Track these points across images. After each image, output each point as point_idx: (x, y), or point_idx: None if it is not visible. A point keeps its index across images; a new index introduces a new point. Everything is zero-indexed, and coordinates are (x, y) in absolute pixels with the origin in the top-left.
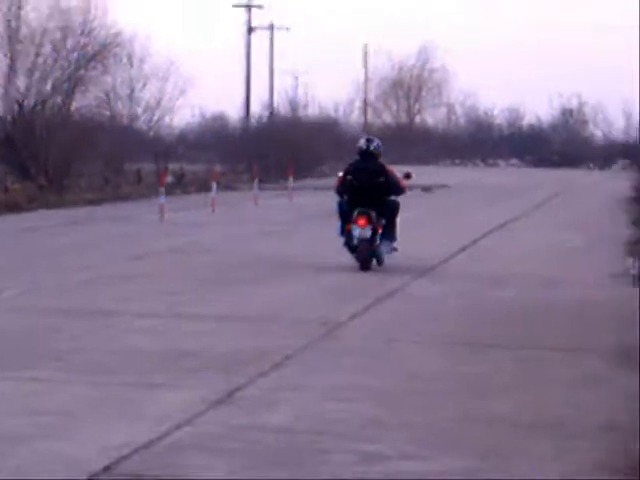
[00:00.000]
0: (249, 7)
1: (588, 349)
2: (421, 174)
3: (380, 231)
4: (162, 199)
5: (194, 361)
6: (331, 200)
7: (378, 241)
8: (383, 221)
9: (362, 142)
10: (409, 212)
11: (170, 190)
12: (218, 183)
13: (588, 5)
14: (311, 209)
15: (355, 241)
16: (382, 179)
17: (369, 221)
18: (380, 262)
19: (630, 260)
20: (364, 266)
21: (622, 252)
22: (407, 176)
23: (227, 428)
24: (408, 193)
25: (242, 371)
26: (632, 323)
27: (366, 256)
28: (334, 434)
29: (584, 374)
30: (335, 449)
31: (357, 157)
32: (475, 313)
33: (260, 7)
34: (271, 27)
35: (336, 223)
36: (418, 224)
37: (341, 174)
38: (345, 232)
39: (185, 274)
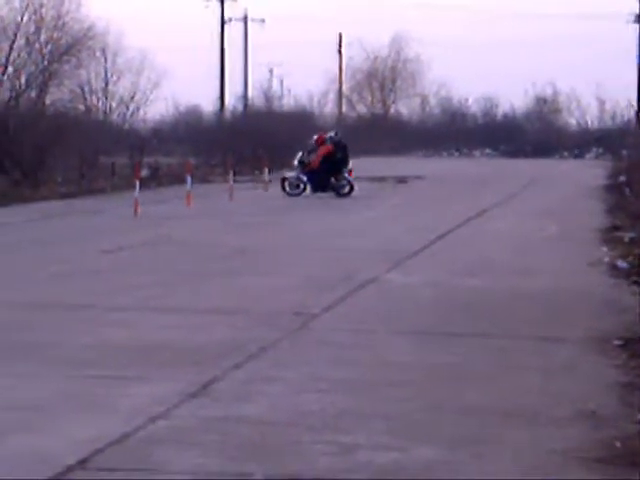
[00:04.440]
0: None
1: (563, 337)
2: (396, 165)
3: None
4: (136, 192)
5: (167, 354)
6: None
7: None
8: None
9: (334, 133)
10: (385, 203)
11: (145, 183)
12: (193, 176)
13: None
14: (286, 201)
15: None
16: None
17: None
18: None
19: (604, 248)
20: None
21: (597, 240)
22: None
23: (202, 421)
24: (382, 185)
25: (216, 363)
26: (607, 311)
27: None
28: (309, 426)
29: (559, 362)
30: (310, 440)
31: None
32: (449, 303)
33: None
34: (245, 19)
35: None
36: (393, 215)
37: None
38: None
39: (158, 267)
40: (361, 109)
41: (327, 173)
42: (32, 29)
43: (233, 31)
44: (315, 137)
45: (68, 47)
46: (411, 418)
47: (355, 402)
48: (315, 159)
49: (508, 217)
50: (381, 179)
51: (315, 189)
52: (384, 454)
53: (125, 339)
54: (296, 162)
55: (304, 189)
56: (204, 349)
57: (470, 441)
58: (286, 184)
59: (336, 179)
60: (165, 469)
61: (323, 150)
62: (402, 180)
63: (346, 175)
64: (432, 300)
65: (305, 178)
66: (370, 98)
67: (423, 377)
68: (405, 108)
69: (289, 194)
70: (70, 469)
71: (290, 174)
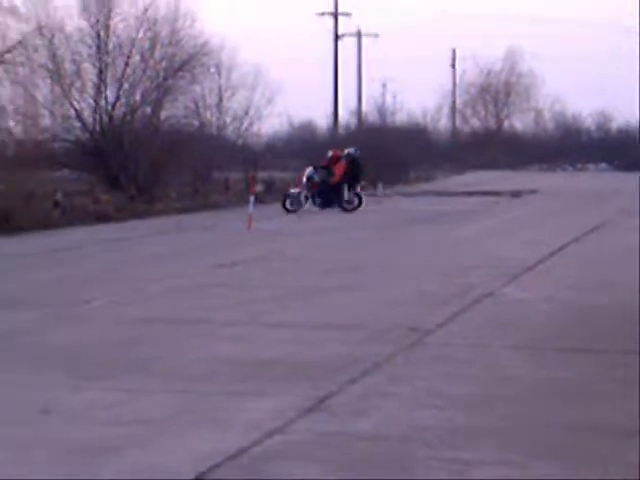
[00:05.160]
0: (336, 15)
1: None
2: (510, 179)
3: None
4: (250, 208)
5: (282, 369)
6: (421, 206)
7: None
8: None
9: (353, 150)
10: (499, 217)
11: (259, 198)
12: (362, 189)
13: None
14: (400, 216)
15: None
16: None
17: None
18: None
19: None
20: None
21: None
22: None
23: (318, 435)
24: (497, 199)
25: (332, 378)
26: None
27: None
28: (424, 441)
29: None
30: (425, 456)
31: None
32: (565, 318)
33: (347, 14)
34: (359, 34)
35: (422, 227)
36: (507, 229)
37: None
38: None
39: (271, 282)
40: (474, 123)
41: (340, 189)
42: (147, 45)
43: (346, 46)
44: (330, 153)
45: (183, 63)
46: (527, 434)
47: (470, 418)
48: (336, 177)
49: (625, 233)
50: (495, 193)
51: (325, 205)
52: (501, 470)
53: (240, 354)
54: (305, 179)
55: (300, 204)
56: (319, 364)
57: (591, 459)
58: (287, 201)
59: (347, 194)
60: None
61: (340, 169)
62: (516, 194)
63: (358, 191)
64: (547, 315)
65: (306, 194)
66: (483, 112)
67: (538, 393)
68: (519, 122)
69: (289, 211)
70: None
71: (293, 190)
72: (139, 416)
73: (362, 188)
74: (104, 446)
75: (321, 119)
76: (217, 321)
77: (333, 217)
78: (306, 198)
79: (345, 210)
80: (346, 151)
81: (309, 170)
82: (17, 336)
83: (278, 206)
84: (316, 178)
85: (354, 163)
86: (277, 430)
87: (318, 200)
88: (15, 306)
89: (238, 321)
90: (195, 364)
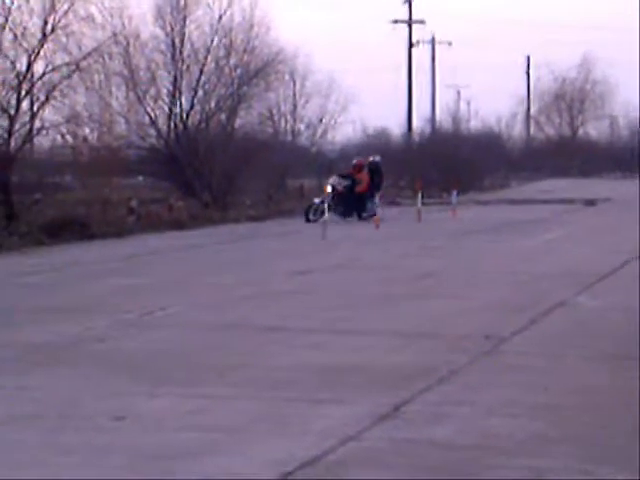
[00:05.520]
0: (410, 23)
1: None
2: (585, 187)
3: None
4: (325, 215)
5: (358, 376)
6: (495, 213)
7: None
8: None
9: (378, 157)
10: (572, 225)
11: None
12: (381, 198)
13: None
14: (474, 224)
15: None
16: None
17: None
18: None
19: None
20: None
21: None
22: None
23: (393, 443)
24: (570, 207)
25: (407, 386)
26: None
27: None
28: (499, 449)
29: None
30: (500, 464)
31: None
32: None
33: (422, 22)
34: (432, 42)
35: (496, 234)
36: (580, 237)
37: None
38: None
39: (347, 290)
40: (549, 131)
41: (364, 198)
42: (222, 53)
43: (420, 53)
44: (355, 161)
45: (257, 71)
46: (603, 443)
47: (545, 426)
48: (363, 185)
49: None
50: (569, 201)
51: (346, 213)
52: (575, 478)
53: (316, 361)
54: (330, 188)
55: (322, 214)
56: (394, 371)
57: None
58: (310, 211)
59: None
60: None
61: (365, 177)
62: (590, 202)
63: (376, 200)
64: (623, 324)
65: (329, 203)
66: (558, 120)
67: (616, 402)
68: (593, 130)
69: (310, 220)
70: None
71: (316, 200)
72: (215, 422)
73: (381, 197)
74: (179, 452)
75: (395, 126)
76: (293, 328)
77: (407, 225)
78: (329, 207)
79: (361, 218)
80: (370, 159)
81: (333, 179)
82: (92, 342)
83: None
84: (340, 187)
85: (376, 171)
86: (352, 437)
87: (340, 209)
88: (90, 312)
89: (314, 328)
90: (271, 371)
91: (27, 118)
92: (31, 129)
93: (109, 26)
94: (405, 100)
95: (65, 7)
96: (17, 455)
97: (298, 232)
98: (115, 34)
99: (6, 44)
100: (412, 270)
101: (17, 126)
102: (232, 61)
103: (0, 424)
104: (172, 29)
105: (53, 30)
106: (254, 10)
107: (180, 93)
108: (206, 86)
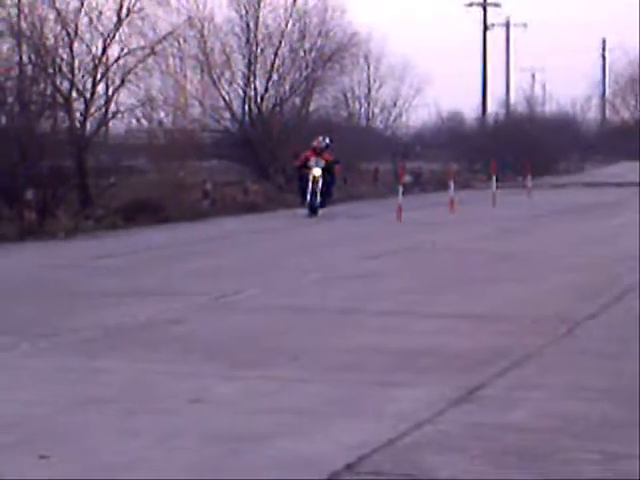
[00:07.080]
0: (484, 5)
1: None
2: None
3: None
4: (399, 198)
5: (432, 359)
6: (569, 197)
7: None
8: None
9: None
10: None
11: (408, 189)
12: (455, 182)
13: None
14: (549, 207)
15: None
16: None
17: None
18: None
19: None
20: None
21: None
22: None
23: (467, 427)
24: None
25: (481, 369)
26: None
27: None
28: (573, 433)
29: None
30: (575, 448)
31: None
32: None
33: (497, 5)
34: (507, 24)
35: (570, 218)
36: None
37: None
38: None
39: (421, 273)
40: (624, 114)
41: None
42: (296, 36)
43: (495, 36)
44: (314, 143)
45: (332, 54)
46: None
47: (619, 411)
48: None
49: None
50: None
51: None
52: None
53: (391, 344)
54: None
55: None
56: (469, 355)
57: None
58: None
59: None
60: (432, 475)
61: (330, 158)
62: None
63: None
64: None
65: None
66: (634, 103)
67: None
68: None
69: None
70: (336, 474)
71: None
72: (289, 405)
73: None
74: (255, 435)
75: (469, 109)
76: (368, 310)
77: (482, 208)
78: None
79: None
80: (320, 139)
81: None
82: (168, 325)
83: (426, 196)
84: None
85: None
86: (427, 421)
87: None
88: (166, 295)
89: (389, 311)
90: (346, 354)
91: (102, 102)
92: (106, 113)
93: (184, 9)
94: (479, 83)
95: None
96: (90, 439)
97: (372, 215)
98: (190, 17)
99: (82, 28)
100: (486, 253)
101: (92, 110)
102: (306, 45)
103: (75, 406)
104: (246, 12)
105: (128, 13)
106: None
107: (254, 76)
108: (280, 69)
